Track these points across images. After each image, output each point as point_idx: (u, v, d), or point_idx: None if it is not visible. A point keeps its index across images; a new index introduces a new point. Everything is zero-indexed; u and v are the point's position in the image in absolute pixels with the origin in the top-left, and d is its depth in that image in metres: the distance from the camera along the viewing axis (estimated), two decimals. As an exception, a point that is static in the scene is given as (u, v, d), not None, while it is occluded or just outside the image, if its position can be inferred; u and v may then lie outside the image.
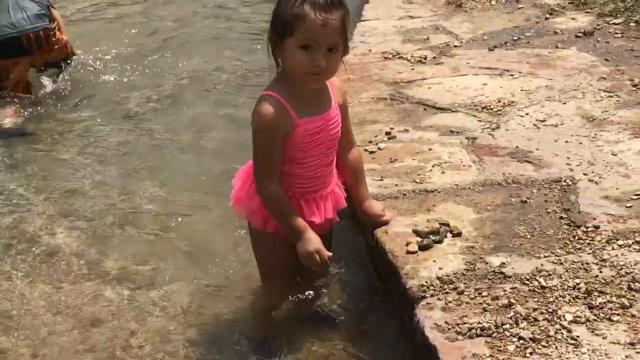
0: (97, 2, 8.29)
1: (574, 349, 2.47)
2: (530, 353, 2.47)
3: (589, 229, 3.08)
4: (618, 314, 2.60)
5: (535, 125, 4.03)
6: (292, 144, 2.83)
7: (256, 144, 2.82)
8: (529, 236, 3.07)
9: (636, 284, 2.73)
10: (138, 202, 4.41)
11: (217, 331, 3.33)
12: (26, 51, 5.66)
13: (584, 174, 3.50)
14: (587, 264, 2.87)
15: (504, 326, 2.58)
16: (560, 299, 2.70)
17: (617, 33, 5.30)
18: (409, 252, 3.01)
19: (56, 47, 5.86)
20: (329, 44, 2.70)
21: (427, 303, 2.74)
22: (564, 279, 2.80)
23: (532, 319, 2.60)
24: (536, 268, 2.86)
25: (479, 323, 2.60)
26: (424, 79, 4.74)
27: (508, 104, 4.29)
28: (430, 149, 3.83)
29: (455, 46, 5.31)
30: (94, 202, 4.43)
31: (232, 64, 6.43)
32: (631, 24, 5.44)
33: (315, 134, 2.84)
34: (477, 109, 4.26)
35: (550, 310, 2.64)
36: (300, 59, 2.70)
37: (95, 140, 5.26)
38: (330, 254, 2.89)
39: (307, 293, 3.26)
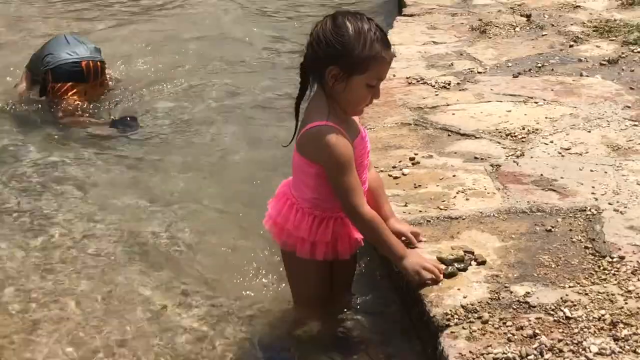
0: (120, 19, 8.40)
1: (600, 381, 2.46)
2: (555, 384, 2.46)
3: (614, 260, 3.07)
4: (644, 347, 2.58)
5: (559, 153, 4.03)
6: None
7: (344, 172, 2.85)
8: (553, 265, 3.06)
9: (662, 316, 2.71)
10: (163, 222, 4.42)
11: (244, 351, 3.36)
12: (84, 78, 5.87)
13: (609, 204, 3.49)
14: (613, 294, 2.85)
15: (528, 357, 2.57)
16: (585, 330, 2.68)
17: (642, 61, 5.31)
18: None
19: (105, 82, 6.14)
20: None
21: (452, 332, 2.73)
22: (589, 309, 2.78)
23: (557, 350, 2.59)
24: (561, 298, 2.84)
25: (504, 353, 2.59)
26: (448, 105, 4.75)
27: (532, 132, 4.29)
28: (454, 175, 3.83)
29: (479, 72, 5.32)
30: (118, 223, 4.44)
31: (256, 87, 6.48)
32: (656, 52, 5.44)
33: (361, 154, 2.97)
34: (501, 136, 4.26)
35: (576, 341, 2.63)
36: (365, 95, 2.86)
37: (119, 159, 5.29)
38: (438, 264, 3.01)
39: (330, 320, 3.28)
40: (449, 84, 5.10)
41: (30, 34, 7.86)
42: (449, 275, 3.00)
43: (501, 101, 4.78)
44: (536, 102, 4.71)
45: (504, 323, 2.74)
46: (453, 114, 4.61)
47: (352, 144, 2.88)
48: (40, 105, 5.96)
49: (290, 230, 3.05)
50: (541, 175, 3.80)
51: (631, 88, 4.86)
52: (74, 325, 3.55)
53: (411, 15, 6.85)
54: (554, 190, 3.65)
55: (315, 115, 2.87)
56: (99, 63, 5.96)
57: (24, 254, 4.15)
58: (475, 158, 4.02)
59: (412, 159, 4.03)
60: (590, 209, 3.45)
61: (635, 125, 4.32)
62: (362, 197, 2.89)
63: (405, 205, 3.57)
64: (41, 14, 8.58)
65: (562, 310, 2.78)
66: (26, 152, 5.39)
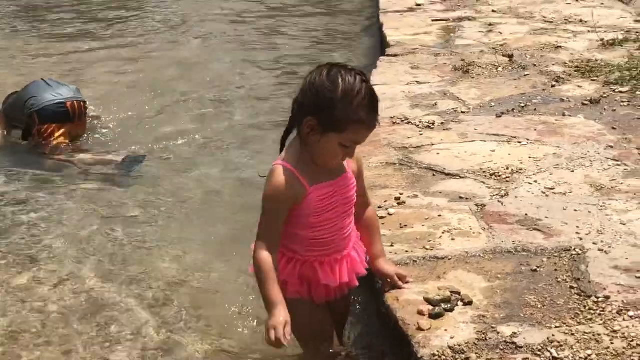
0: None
1: (587, 423, 2.46)
2: None
3: (600, 300, 3.09)
4: (630, 387, 2.60)
5: (544, 193, 4.06)
6: (305, 211, 2.90)
7: (264, 212, 2.89)
8: (539, 306, 3.08)
9: (648, 356, 2.73)
10: (144, 266, 4.39)
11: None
12: (69, 118, 5.94)
13: (594, 243, 3.51)
14: (599, 334, 2.87)
15: (516, 398, 2.58)
16: (572, 370, 2.70)
17: (623, 101, 5.36)
18: (420, 321, 3.00)
19: (86, 121, 6.19)
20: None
21: (440, 373, 2.74)
22: (575, 350, 2.79)
23: (545, 391, 2.60)
24: (548, 338, 2.85)
25: (492, 394, 2.60)
26: (433, 145, 4.79)
27: (516, 171, 4.32)
28: (439, 215, 3.85)
29: (462, 112, 5.36)
30: (101, 262, 4.43)
31: (238, 124, 6.52)
32: (637, 92, 5.50)
33: (327, 199, 2.92)
34: (485, 176, 4.29)
35: (563, 381, 2.64)
36: (336, 153, 2.84)
37: (101, 200, 5.28)
38: (286, 336, 2.80)
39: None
40: (433, 124, 5.14)
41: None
42: (436, 316, 3.01)
43: (485, 141, 4.82)
44: (520, 142, 4.75)
45: (492, 364, 2.75)
46: (437, 153, 4.65)
47: (309, 188, 2.86)
48: (22, 147, 6.00)
49: None
50: (526, 215, 3.82)
51: (613, 128, 4.91)
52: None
53: (395, 56, 6.90)
54: (539, 230, 3.67)
55: (283, 155, 2.90)
56: (82, 103, 6.03)
57: (4, 292, 4.13)
58: (460, 198, 4.04)
59: (397, 198, 4.05)
60: (575, 249, 3.48)
61: (618, 165, 4.36)
62: (267, 242, 2.85)
63: (392, 246, 3.58)
64: (15, 56, 8.63)
65: (549, 351, 2.79)
66: (10, 192, 5.38)
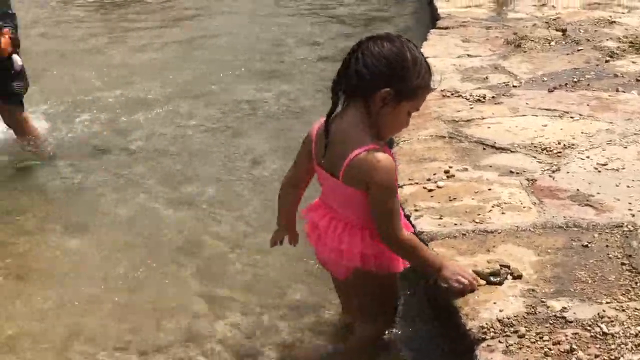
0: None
1: (637, 399, 2.44)
2: (593, 400, 2.45)
3: (652, 277, 3.05)
4: (682, 364, 2.57)
5: (596, 168, 4.01)
6: None
7: (392, 197, 2.81)
8: (590, 281, 3.05)
9: (701, 334, 2.69)
10: (194, 234, 4.45)
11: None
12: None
13: (646, 220, 3.47)
14: (650, 311, 2.84)
15: (565, 372, 2.57)
16: (622, 346, 2.66)
17: (678, 78, 5.28)
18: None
19: None
20: None
21: (488, 345, 2.72)
22: (626, 326, 2.76)
23: (594, 366, 2.58)
24: (598, 314, 2.83)
25: (541, 368, 2.59)
26: (483, 118, 4.75)
27: (568, 146, 4.27)
28: (489, 189, 3.83)
29: (514, 86, 5.31)
30: (142, 232, 4.51)
31: (286, 96, 6.53)
32: (693, 69, 5.41)
33: None
34: (537, 150, 4.25)
35: (612, 357, 2.61)
36: (405, 121, 2.86)
37: (148, 168, 5.36)
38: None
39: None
40: (484, 97, 5.10)
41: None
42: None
43: (536, 115, 4.76)
44: (572, 117, 4.69)
45: (541, 337, 2.73)
46: (488, 127, 4.61)
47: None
48: None
49: (357, 254, 2.94)
50: (577, 190, 3.78)
51: (667, 104, 4.84)
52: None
53: (445, 28, 6.87)
54: (591, 206, 3.63)
55: (360, 138, 2.78)
56: None
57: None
58: (511, 172, 4.01)
59: (446, 171, 4.03)
60: (626, 225, 3.43)
61: (672, 141, 4.30)
62: (401, 226, 2.86)
63: (440, 218, 3.57)
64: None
65: (599, 326, 2.76)
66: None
